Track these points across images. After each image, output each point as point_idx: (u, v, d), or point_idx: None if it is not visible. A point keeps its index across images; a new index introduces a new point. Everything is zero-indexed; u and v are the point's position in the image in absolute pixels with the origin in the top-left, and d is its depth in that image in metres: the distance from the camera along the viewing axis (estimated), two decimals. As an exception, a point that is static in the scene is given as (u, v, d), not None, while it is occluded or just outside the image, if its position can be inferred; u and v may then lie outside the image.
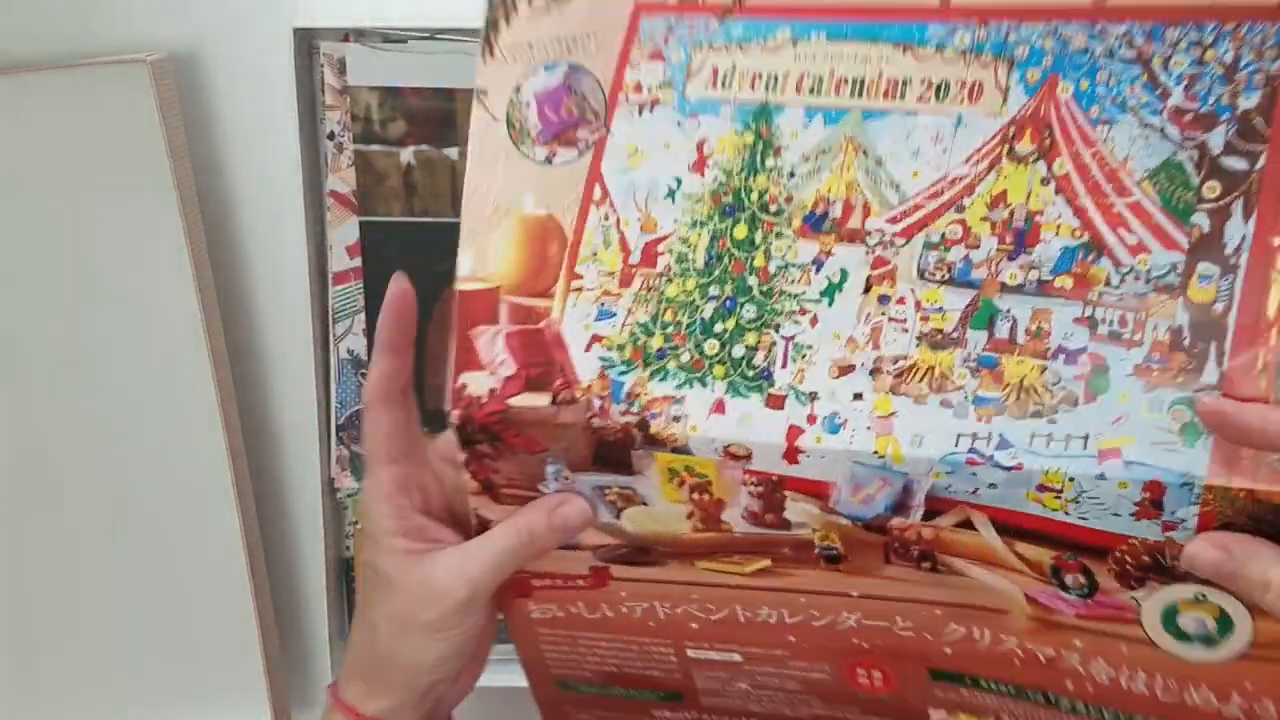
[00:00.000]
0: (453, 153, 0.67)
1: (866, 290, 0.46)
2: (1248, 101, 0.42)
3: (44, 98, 0.66)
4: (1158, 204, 0.43)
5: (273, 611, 0.73)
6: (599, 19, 0.52)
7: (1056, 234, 0.45)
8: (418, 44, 0.66)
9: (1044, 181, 0.45)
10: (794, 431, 0.45)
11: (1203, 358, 0.42)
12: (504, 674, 0.75)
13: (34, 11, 0.67)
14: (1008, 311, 0.45)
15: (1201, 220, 0.43)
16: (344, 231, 0.68)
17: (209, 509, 0.72)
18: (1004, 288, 0.45)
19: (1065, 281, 0.44)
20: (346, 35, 0.66)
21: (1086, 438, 0.43)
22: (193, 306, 0.68)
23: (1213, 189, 0.43)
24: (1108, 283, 0.44)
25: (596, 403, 0.47)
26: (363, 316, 0.70)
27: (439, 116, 0.66)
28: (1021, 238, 0.45)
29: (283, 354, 0.71)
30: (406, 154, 0.67)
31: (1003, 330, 0.45)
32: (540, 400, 0.47)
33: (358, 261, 0.69)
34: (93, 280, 0.69)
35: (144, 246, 0.69)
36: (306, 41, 0.66)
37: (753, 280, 0.48)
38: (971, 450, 0.44)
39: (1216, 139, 0.43)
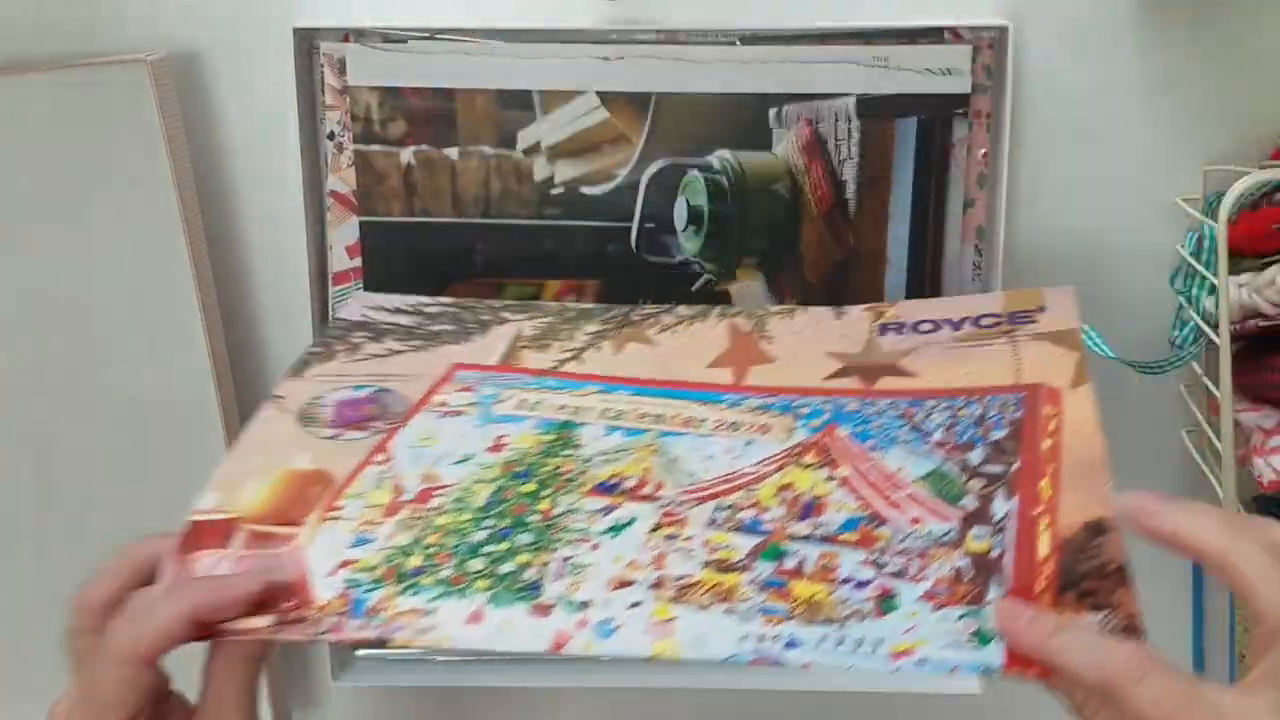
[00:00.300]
0: (453, 152, 0.67)
1: (654, 530, 0.49)
2: (998, 434, 0.53)
3: (44, 98, 0.66)
4: (930, 495, 0.52)
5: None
6: (416, 369, 0.57)
7: (839, 511, 0.51)
8: (417, 44, 0.66)
9: (827, 479, 0.53)
10: (561, 637, 0.44)
11: (984, 588, 0.47)
12: (504, 674, 0.75)
13: (34, 11, 0.67)
14: (796, 551, 0.49)
15: (970, 502, 0.51)
16: (344, 231, 0.68)
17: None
18: (792, 537, 0.50)
19: (850, 537, 0.50)
20: (347, 35, 0.66)
21: (880, 642, 0.46)
22: (193, 306, 0.68)
23: (975, 485, 0.51)
24: (888, 541, 0.50)
25: (332, 620, 0.45)
26: None
27: (439, 116, 0.66)
28: (808, 509, 0.51)
29: (283, 353, 0.71)
30: (406, 154, 0.67)
31: (790, 564, 0.49)
32: (261, 621, 0.45)
33: (358, 261, 0.69)
34: (93, 280, 0.69)
35: (144, 246, 0.69)
36: (306, 41, 0.66)
37: (534, 518, 0.49)
38: (757, 650, 0.45)
39: (975, 456, 0.53)
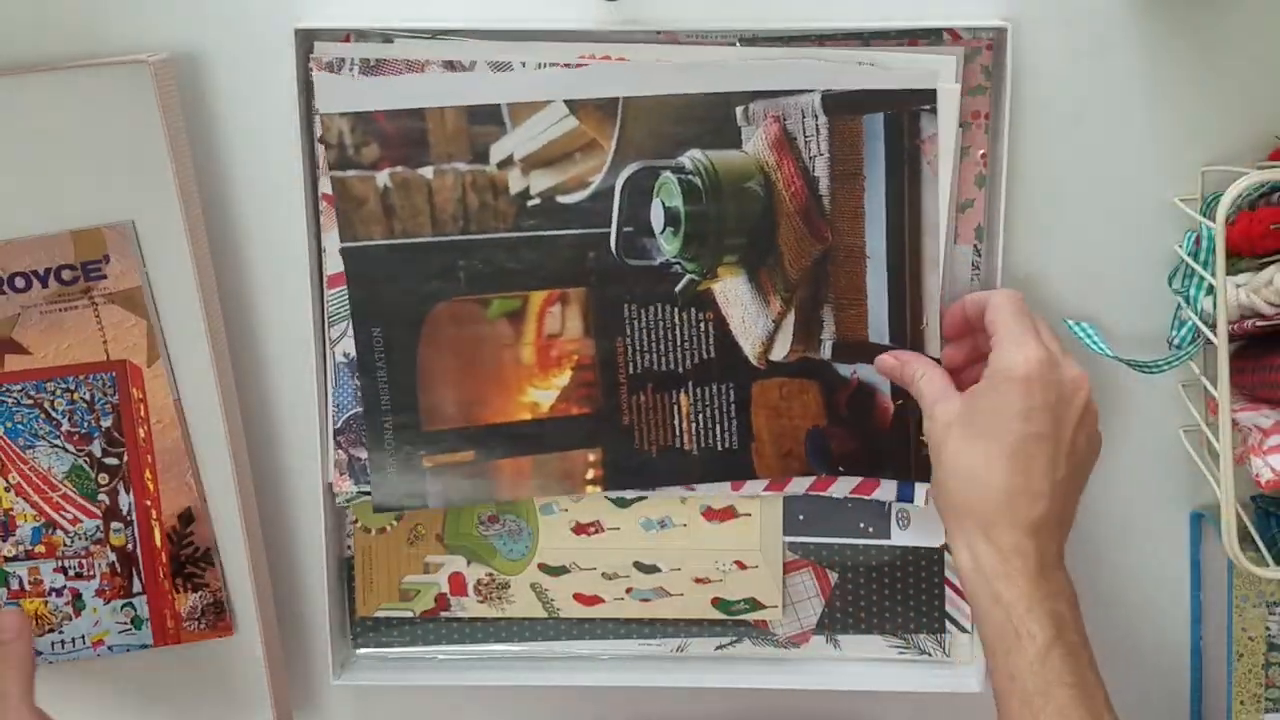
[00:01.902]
0: (427, 172, 0.66)
1: None
2: (106, 421, 0.69)
3: (46, 98, 0.67)
4: (76, 493, 0.70)
5: (274, 612, 0.73)
6: None
7: (26, 522, 0.70)
8: (387, 66, 0.66)
9: (6, 489, 0.69)
10: None
11: (129, 580, 0.71)
12: (505, 674, 0.75)
13: (36, 12, 0.67)
14: (14, 573, 0.70)
15: (104, 498, 0.70)
16: (337, 234, 0.68)
17: (211, 509, 0.72)
18: (6, 559, 0.70)
19: (41, 549, 0.70)
20: (347, 35, 0.66)
21: (83, 637, 0.72)
22: (194, 306, 0.68)
23: (104, 479, 0.70)
24: (65, 545, 0.70)
25: None
26: None
27: (411, 137, 0.66)
28: (5, 526, 0.70)
29: (283, 354, 0.72)
30: (382, 177, 0.67)
31: (15, 584, 0.71)
32: None
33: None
34: (94, 280, 0.69)
35: (145, 246, 0.69)
36: (307, 42, 0.66)
37: None
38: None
39: (96, 448, 0.70)
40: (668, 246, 0.67)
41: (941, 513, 0.63)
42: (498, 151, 0.67)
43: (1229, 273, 0.62)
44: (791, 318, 0.69)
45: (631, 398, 0.69)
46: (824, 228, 0.67)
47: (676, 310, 0.68)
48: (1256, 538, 0.67)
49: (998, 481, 0.60)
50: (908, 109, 0.66)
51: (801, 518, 0.73)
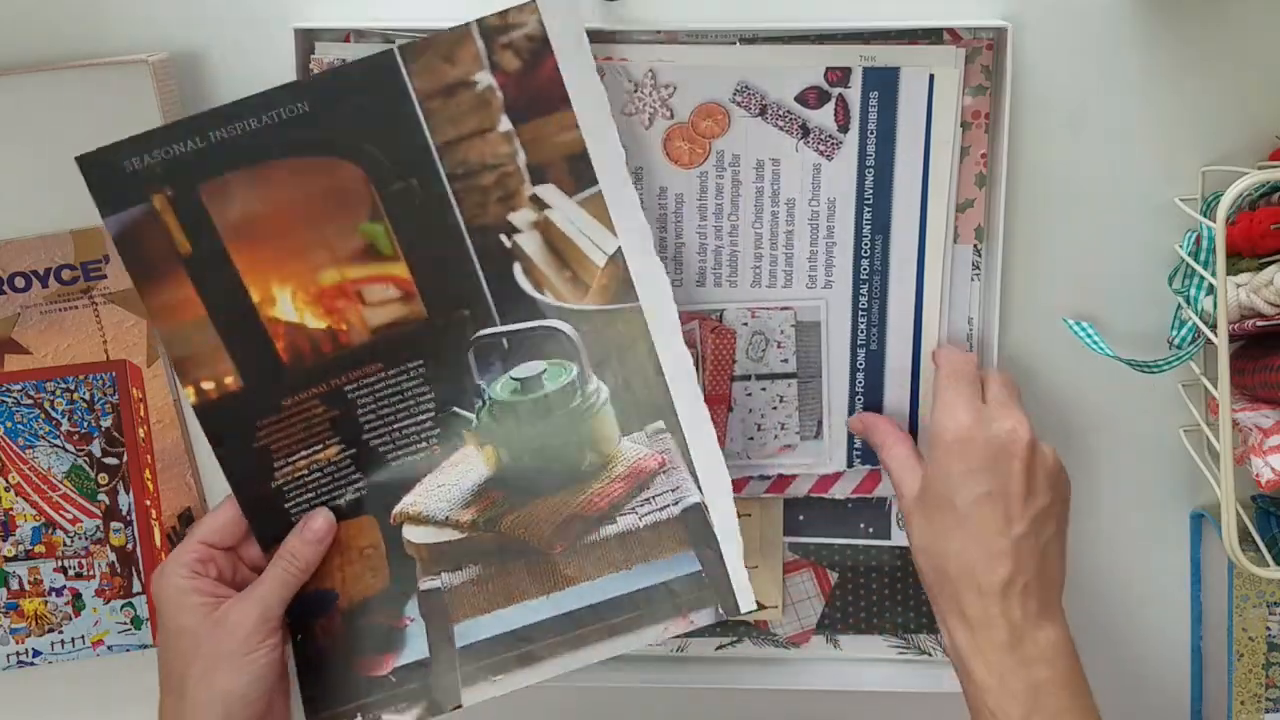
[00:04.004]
0: None
1: None
2: (106, 421, 0.69)
3: (47, 98, 0.67)
4: (76, 493, 0.69)
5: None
6: None
7: (26, 521, 0.69)
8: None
9: (7, 489, 0.69)
10: None
11: (129, 580, 0.71)
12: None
13: (37, 12, 0.67)
14: (14, 573, 0.70)
15: (104, 498, 0.70)
16: None
17: (211, 508, 0.72)
18: (6, 559, 0.71)
19: (40, 549, 0.70)
20: (347, 35, 0.66)
21: (83, 637, 0.71)
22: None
23: (104, 479, 0.69)
24: (65, 545, 0.70)
25: None
26: None
27: None
28: (5, 526, 0.70)
29: (283, 354, 0.72)
30: None
31: (15, 584, 0.70)
32: None
33: None
34: (94, 280, 0.69)
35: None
36: (307, 41, 0.66)
37: None
38: (20, 664, 0.72)
39: (96, 448, 0.69)
40: None
41: (926, 591, 0.63)
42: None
43: (1229, 273, 0.62)
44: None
45: None
46: None
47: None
48: (1256, 538, 0.67)
49: (954, 551, 0.59)
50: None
51: (801, 518, 0.73)
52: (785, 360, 0.70)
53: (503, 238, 0.63)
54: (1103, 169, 0.68)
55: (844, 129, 0.67)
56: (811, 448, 0.71)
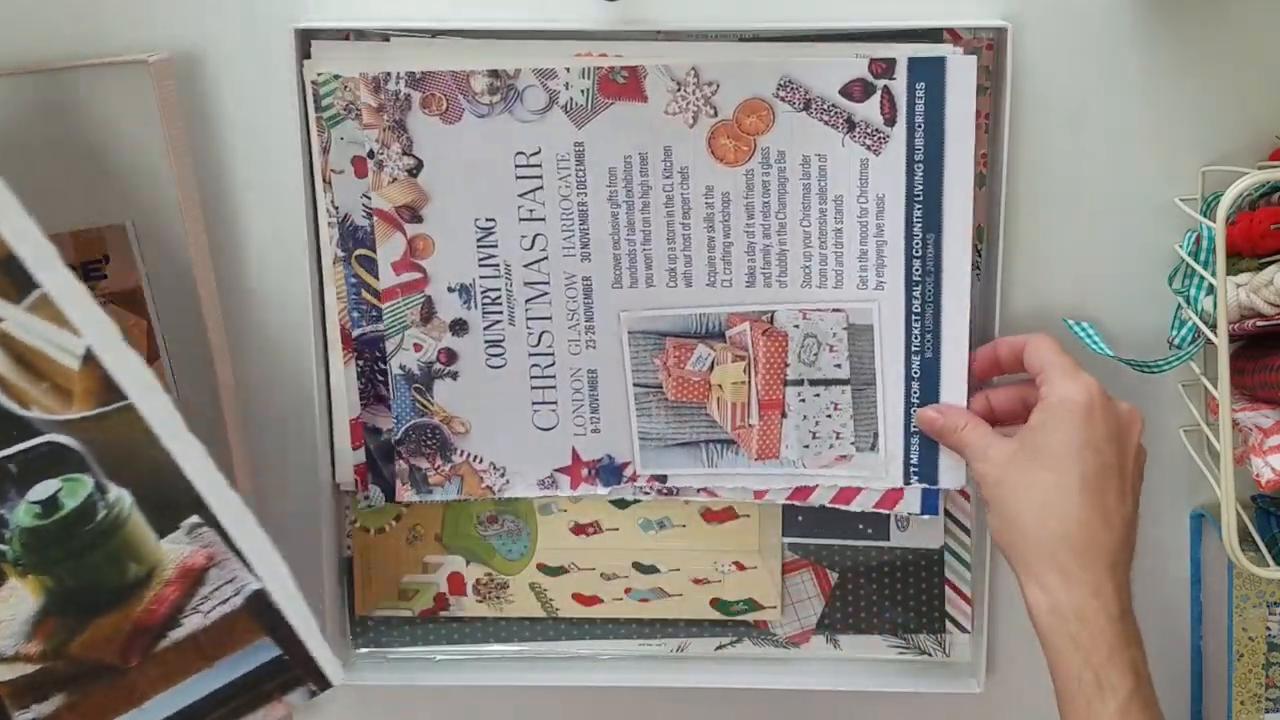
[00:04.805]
0: None
1: None
2: None
3: (46, 98, 0.67)
4: None
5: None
6: None
7: None
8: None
9: None
10: None
11: None
12: (504, 674, 0.75)
13: (37, 12, 0.67)
14: None
15: None
16: (390, 248, 0.68)
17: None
18: None
19: None
20: (347, 35, 0.66)
21: None
22: (194, 306, 0.68)
23: None
24: None
25: None
26: (414, 331, 0.69)
27: None
28: None
29: (284, 354, 0.71)
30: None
31: None
32: None
33: (405, 277, 0.68)
34: (93, 280, 0.69)
35: (145, 246, 0.69)
36: (306, 41, 0.66)
37: None
38: None
39: None
40: None
41: (1007, 552, 0.61)
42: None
43: (1229, 273, 0.62)
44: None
45: None
46: None
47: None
48: (1256, 538, 0.67)
49: (1072, 513, 0.58)
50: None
51: (800, 518, 0.72)
52: (839, 365, 0.69)
53: (-30, 364, 0.60)
54: (1103, 169, 0.68)
55: (890, 122, 0.65)
56: (868, 460, 0.70)
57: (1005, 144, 0.66)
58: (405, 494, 0.71)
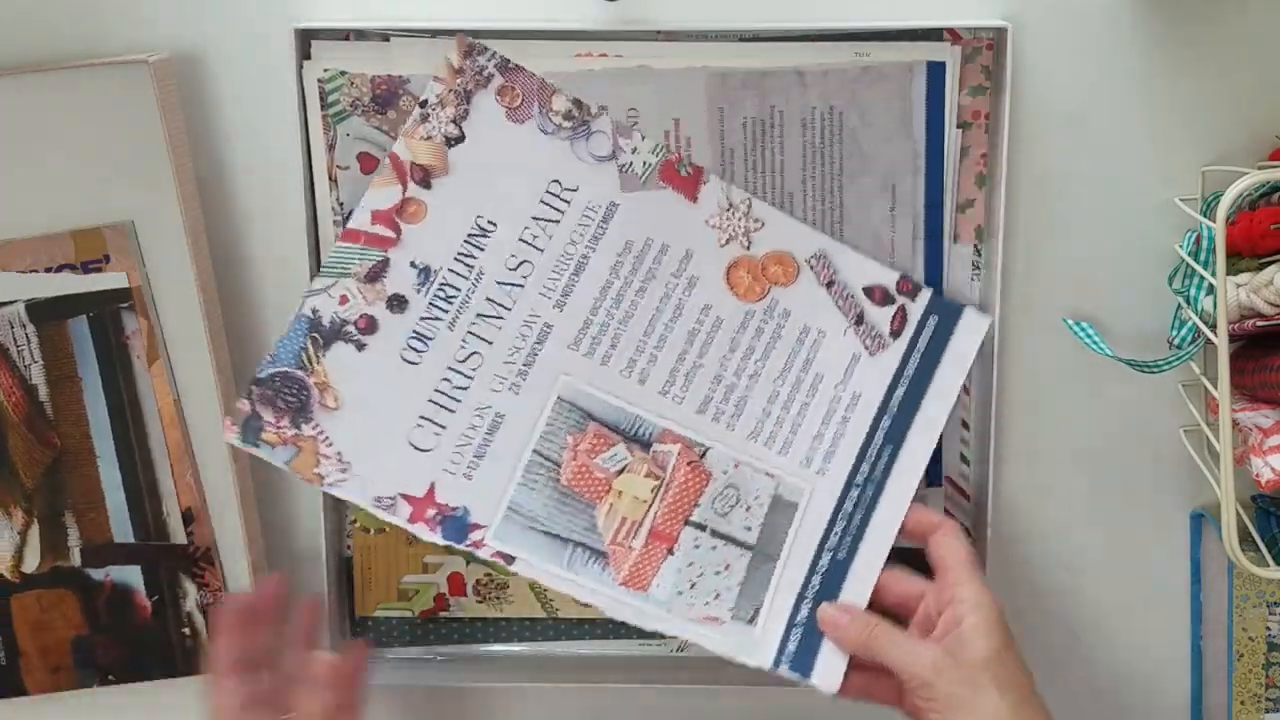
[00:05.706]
0: None
1: None
2: None
3: (46, 98, 0.67)
4: None
5: (272, 611, 0.73)
6: None
7: None
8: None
9: None
10: None
11: None
12: (504, 674, 0.75)
13: (36, 12, 0.67)
14: None
15: None
16: (380, 195, 0.65)
17: (211, 508, 0.72)
18: None
19: None
20: (347, 35, 0.66)
21: None
22: (194, 306, 0.68)
23: None
24: None
25: None
26: (350, 282, 0.65)
27: None
28: None
29: (283, 354, 0.72)
30: None
31: None
32: None
33: (377, 229, 0.65)
34: (93, 280, 0.69)
35: (145, 246, 0.69)
36: (306, 41, 0.66)
37: None
38: None
39: None
40: None
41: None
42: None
43: (1229, 273, 0.62)
44: (36, 528, 0.71)
45: None
46: (51, 435, 0.69)
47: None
48: (1256, 538, 0.67)
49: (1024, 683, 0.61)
50: (109, 309, 0.68)
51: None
52: (749, 528, 0.67)
53: None
54: (1103, 169, 0.68)
55: (896, 334, 0.68)
56: (740, 631, 0.67)
57: (1005, 144, 0.66)
58: (230, 433, 0.65)
